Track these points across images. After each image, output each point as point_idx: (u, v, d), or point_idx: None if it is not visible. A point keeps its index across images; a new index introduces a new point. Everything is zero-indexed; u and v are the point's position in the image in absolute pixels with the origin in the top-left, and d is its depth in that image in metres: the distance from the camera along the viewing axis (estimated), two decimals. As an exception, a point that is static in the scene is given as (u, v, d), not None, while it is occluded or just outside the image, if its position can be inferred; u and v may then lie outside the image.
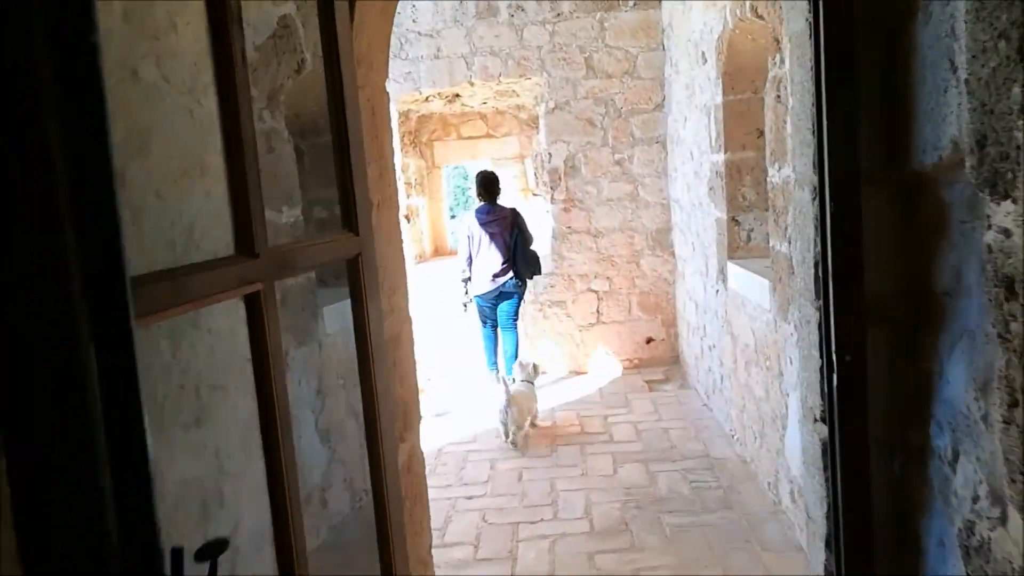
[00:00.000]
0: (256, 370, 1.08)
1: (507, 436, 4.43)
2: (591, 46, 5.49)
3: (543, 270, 5.65)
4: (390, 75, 5.46)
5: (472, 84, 5.57)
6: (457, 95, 5.84)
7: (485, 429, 4.74)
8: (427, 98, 5.76)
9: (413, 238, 5.92)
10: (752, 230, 3.87)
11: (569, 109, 5.56)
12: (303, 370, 1.82)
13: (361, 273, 1.43)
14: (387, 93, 1.73)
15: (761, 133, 3.78)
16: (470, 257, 5.20)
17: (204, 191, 1.38)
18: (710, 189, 4.22)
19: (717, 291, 4.24)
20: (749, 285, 3.51)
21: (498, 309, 5.33)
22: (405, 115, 5.89)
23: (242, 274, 1.06)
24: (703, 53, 4.17)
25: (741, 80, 3.75)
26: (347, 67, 1.39)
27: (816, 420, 1.53)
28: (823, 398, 1.45)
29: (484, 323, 5.46)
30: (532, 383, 4.73)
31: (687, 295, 5.25)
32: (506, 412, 4.39)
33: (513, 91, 5.79)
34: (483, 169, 5.50)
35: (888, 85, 1.32)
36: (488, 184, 5.18)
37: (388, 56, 1.70)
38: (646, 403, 5.00)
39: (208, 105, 1.40)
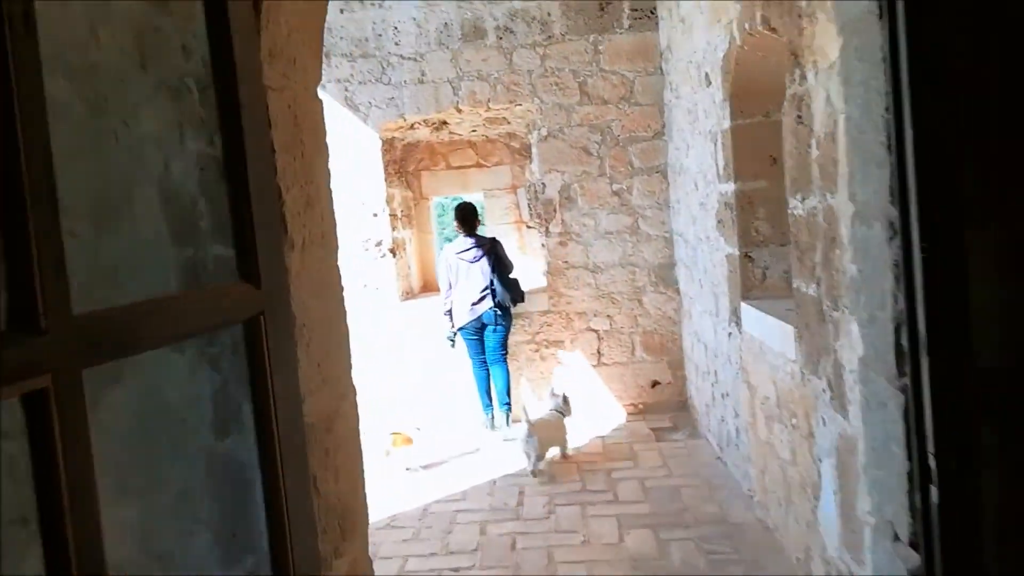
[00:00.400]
0: (44, 518, 0.67)
1: (531, 467, 4.29)
2: (585, 70, 5.17)
3: (540, 307, 5.32)
4: (372, 100, 5.15)
5: (459, 110, 5.24)
6: (444, 122, 5.51)
7: (476, 484, 4.29)
8: (412, 125, 5.43)
9: (399, 273, 5.53)
10: (768, 267, 3.48)
11: (563, 137, 5.22)
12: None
13: (263, 339, 1.02)
14: (320, 100, 1.34)
15: (775, 160, 3.42)
16: (450, 288, 5.07)
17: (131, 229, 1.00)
18: (718, 222, 3.84)
19: (730, 334, 3.83)
20: (768, 330, 3.10)
21: (485, 343, 5.00)
22: (389, 143, 5.54)
23: (20, 361, 0.65)
24: (706, 75, 3.84)
25: (751, 102, 3.40)
26: (244, 51, 1.01)
27: (896, 539, 1.11)
28: (912, 515, 1.03)
29: (473, 360, 5.12)
30: (563, 414, 4.55)
31: (695, 336, 4.84)
32: (527, 442, 4.28)
33: (503, 118, 5.47)
34: (461, 201, 5.39)
35: (1008, 74, 0.93)
36: (466, 215, 5.10)
37: (320, 52, 1.33)
38: (653, 455, 4.55)
39: (139, 128, 1.04)
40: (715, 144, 3.74)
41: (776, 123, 3.38)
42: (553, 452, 4.47)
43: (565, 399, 4.60)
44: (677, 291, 5.31)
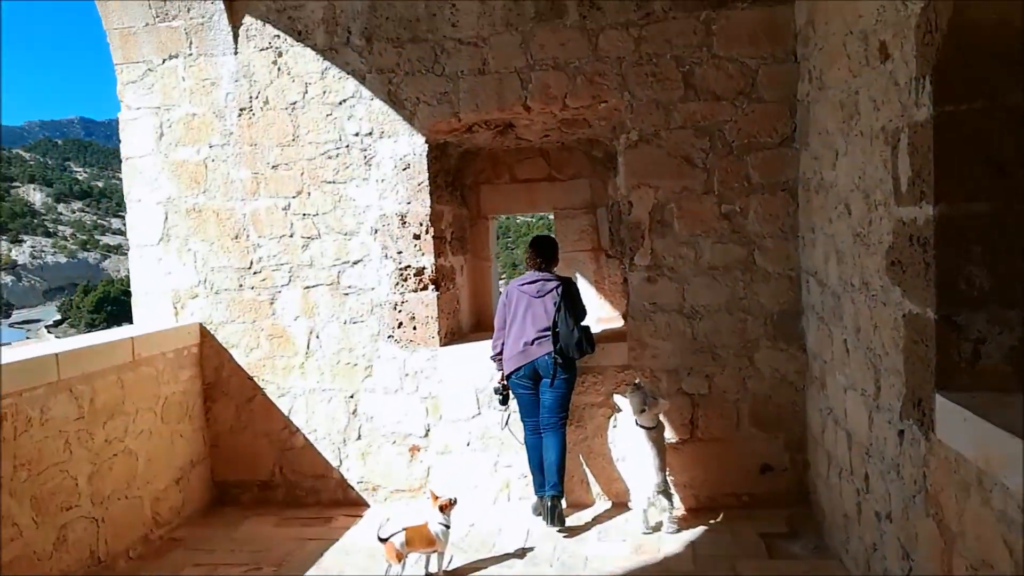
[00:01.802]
0: None
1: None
2: (692, 56, 3.99)
3: (618, 360, 4.19)
4: (421, 95, 4.02)
5: (528, 108, 4.17)
6: (510, 124, 4.45)
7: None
8: (470, 127, 4.40)
9: (444, 309, 4.49)
10: (984, 341, 2.18)
11: (659, 142, 4.05)
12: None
13: None
14: None
15: (1003, 170, 2.13)
16: (504, 326, 4.08)
17: None
18: (892, 264, 2.56)
19: (901, 432, 2.53)
20: (1004, 454, 1.81)
21: (541, 401, 3.92)
22: (441, 149, 4.54)
23: None
24: (882, 44, 2.59)
25: (968, 78, 2.13)
26: None
27: None
28: None
29: (525, 423, 4.09)
30: (658, 426, 3.90)
31: (830, 415, 3.52)
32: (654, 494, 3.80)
33: (583, 119, 4.35)
34: (542, 234, 4.50)
35: None
36: (543, 248, 4.18)
37: None
38: (765, 583, 3.26)
39: None
40: (895, 147, 2.48)
41: (1012, 110, 2.10)
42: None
43: (652, 394, 3.95)
44: (802, 348, 4.00)
